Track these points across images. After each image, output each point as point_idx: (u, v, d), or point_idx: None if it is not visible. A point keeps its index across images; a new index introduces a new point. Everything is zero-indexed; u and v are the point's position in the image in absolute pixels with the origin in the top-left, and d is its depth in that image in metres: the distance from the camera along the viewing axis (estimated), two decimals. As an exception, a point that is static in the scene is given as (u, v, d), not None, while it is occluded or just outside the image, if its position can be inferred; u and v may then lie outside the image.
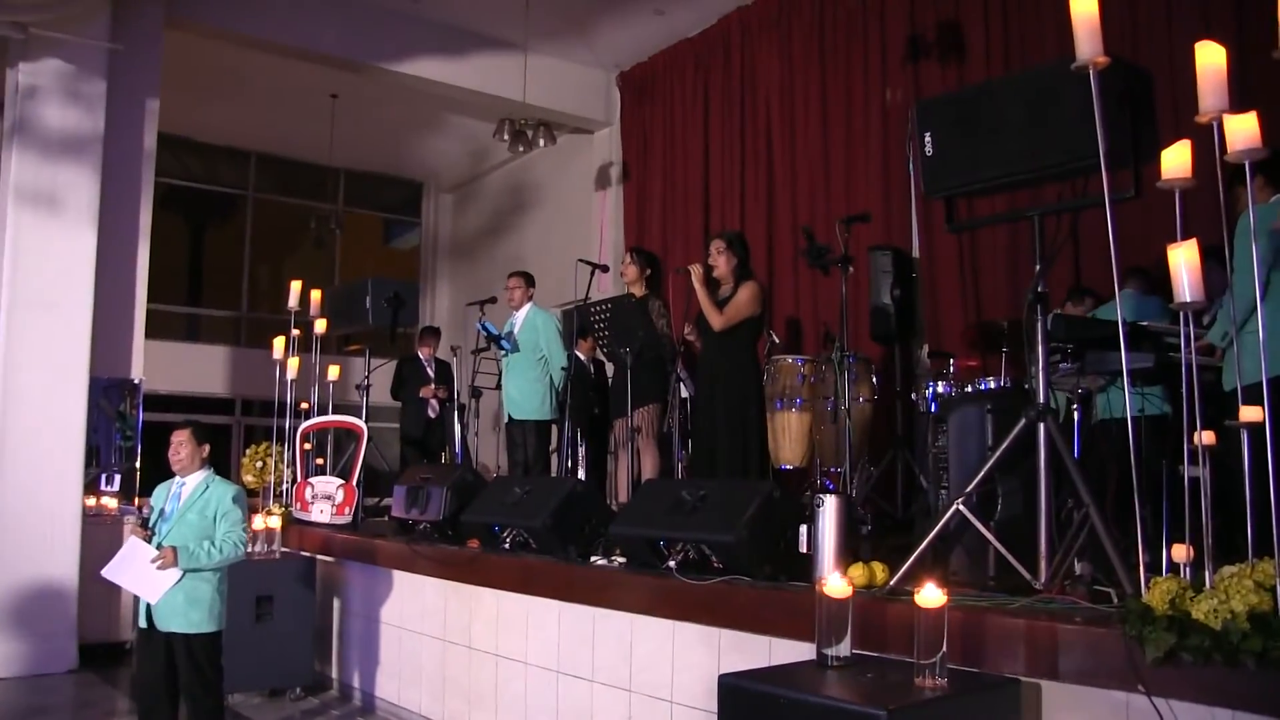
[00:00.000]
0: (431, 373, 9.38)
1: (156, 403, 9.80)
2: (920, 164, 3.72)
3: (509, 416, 7.41)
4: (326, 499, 6.94)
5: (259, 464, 8.07)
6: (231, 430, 12.72)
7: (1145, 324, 4.38)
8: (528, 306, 7.47)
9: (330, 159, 13.18)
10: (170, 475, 4.67)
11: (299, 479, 7.20)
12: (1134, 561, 2.90)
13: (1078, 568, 3.37)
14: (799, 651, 3.46)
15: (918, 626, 2.84)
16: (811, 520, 3.85)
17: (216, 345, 12.83)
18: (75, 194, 7.49)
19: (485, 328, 7.35)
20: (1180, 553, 2.82)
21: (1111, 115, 3.12)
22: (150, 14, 8.18)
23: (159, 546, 4.44)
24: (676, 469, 5.92)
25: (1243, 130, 2.74)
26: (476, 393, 8.14)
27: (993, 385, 5.74)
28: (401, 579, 5.84)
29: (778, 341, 7.48)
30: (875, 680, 2.89)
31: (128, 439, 8.00)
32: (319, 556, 6.45)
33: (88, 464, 7.54)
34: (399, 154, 13.46)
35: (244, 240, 13.46)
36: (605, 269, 6.88)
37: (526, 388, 7.30)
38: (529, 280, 7.55)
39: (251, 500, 5.70)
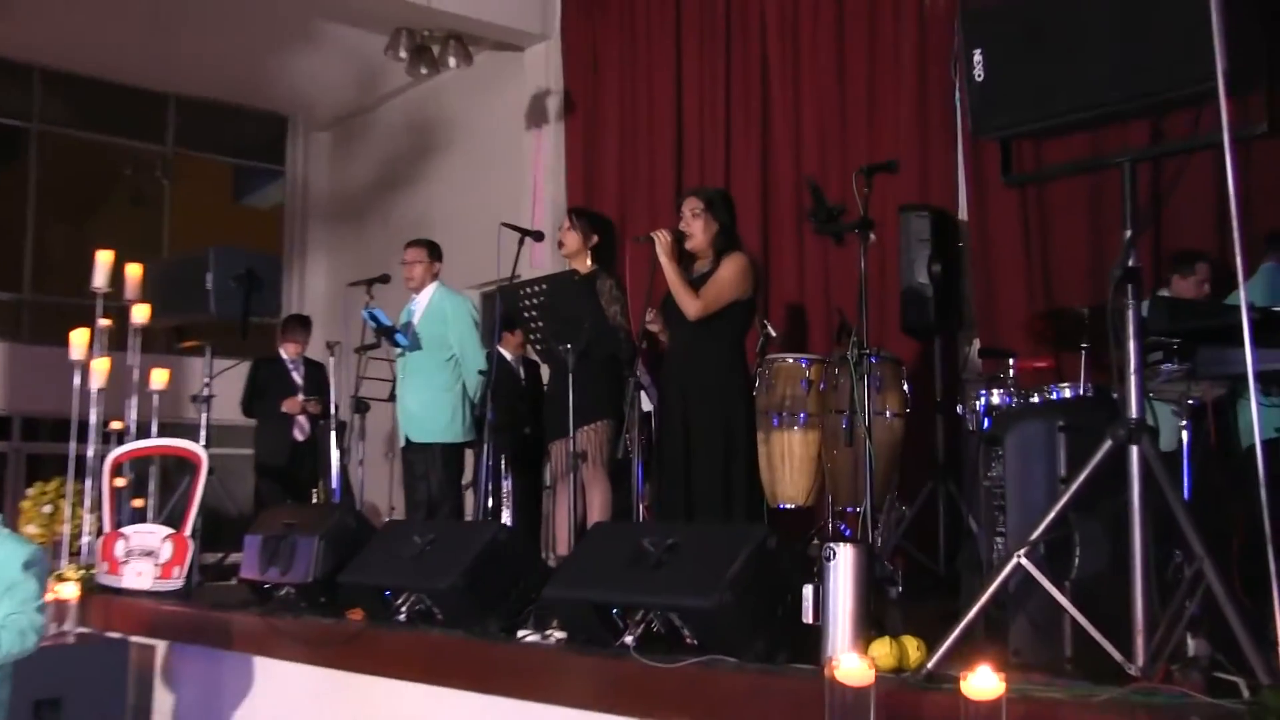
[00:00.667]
0: (299, 379, 9.31)
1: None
2: (968, 93, 3.71)
3: (406, 439, 7.38)
4: (147, 556, 6.83)
5: (47, 508, 7.94)
6: (8, 460, 12.49)
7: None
8: (432, 288, 7.44)
9: (157, 81, 13.02)
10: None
11: (106, 529, 7.07)
12: (1270, 638, 2.90)
13: (1190, 646, 3.37)
14: (803, 760, 3.44)
15: (966, 725, 2.82)
16: (820, 579, 3.84)
17: (-15, 340, 12.62)
18: None
19: (374, 317, 7.31)
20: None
21: (1235, 24, 3.12)
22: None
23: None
24: (636, 509, 5.89)
25: None
26: (362, 406, 8.09)
27: (1068, 394, 5.75)
28: (256, 667, 5.77)
29: (774, 335, 7.47)
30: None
31: None
32: (134, 639, 6.35)
33: None
34: (255, 77, 13.33)
35: (26, 192, 13.15)
36: (539, 236, 6.83)
37: (431, 399, 7.27)
38: (434, 252, 7.52)
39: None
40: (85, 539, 7.29)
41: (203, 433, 7.44)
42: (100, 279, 7.47)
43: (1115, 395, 3.62)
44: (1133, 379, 3.49)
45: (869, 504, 5.69)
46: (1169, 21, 3.26)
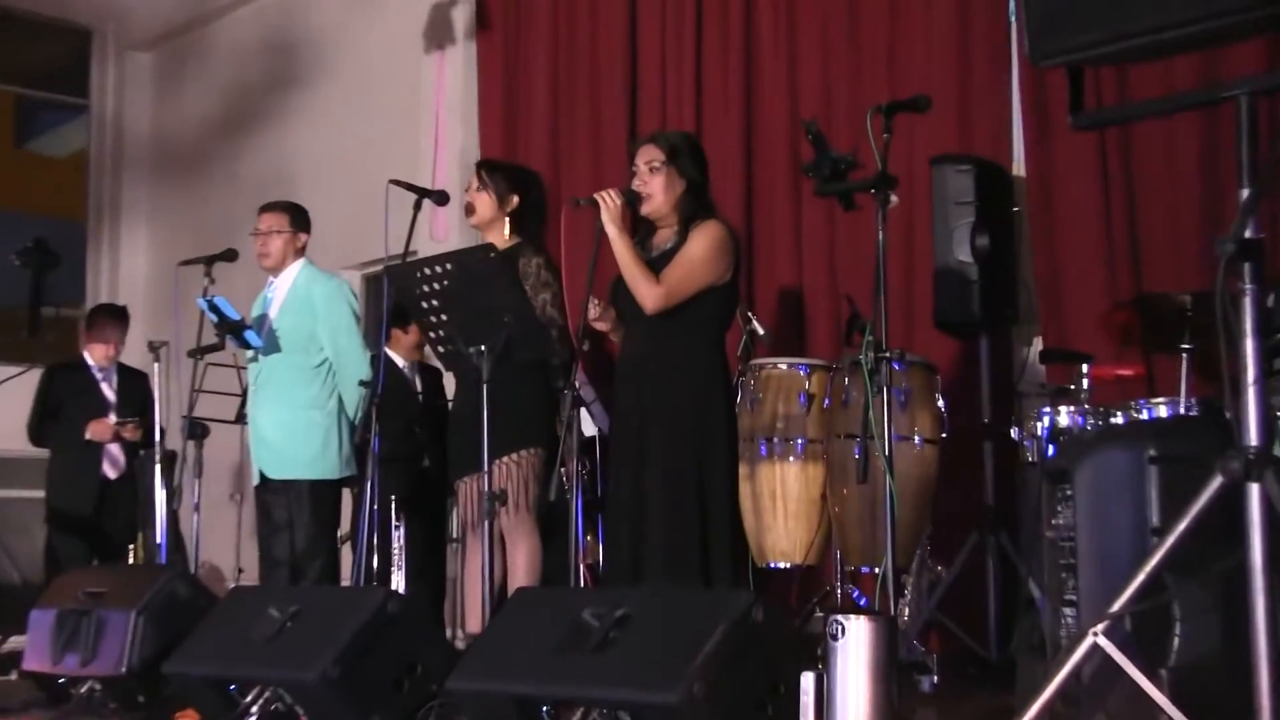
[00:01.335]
0: (111, 394, 9.23)
1: None
2: (1023, 5, 3.72)
3: (261, 475, 7.35)
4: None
5: None
6: None
7: None
8: (296, 268, 7.43)
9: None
10: None
11: None
12: None
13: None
14: None
15: None
16: (824, 665, 3.83)
17: None
18: None
19: (216, 308, 7.26)
20: None
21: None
22: None
23: None
24: (574, 569, 5.87)
25: None
26: (198, 430, 8.03)
27: (1163, 412, 5.77)
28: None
29: (762, 333, 7.48)
30: None
31: None
32: None
33: None
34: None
35: None
36: (443, 199, 6.81)
37: (293, 420, 7.27)
38: (297, 219, 7.51)
39: None
40: None
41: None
42: None
43: (1228, 414, 3.61)
44: (1251, 392, 3.48)
45: (891, 562, 5.70)
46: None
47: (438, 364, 7.72)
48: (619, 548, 5.80)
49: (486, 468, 5.84)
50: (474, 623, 6.32)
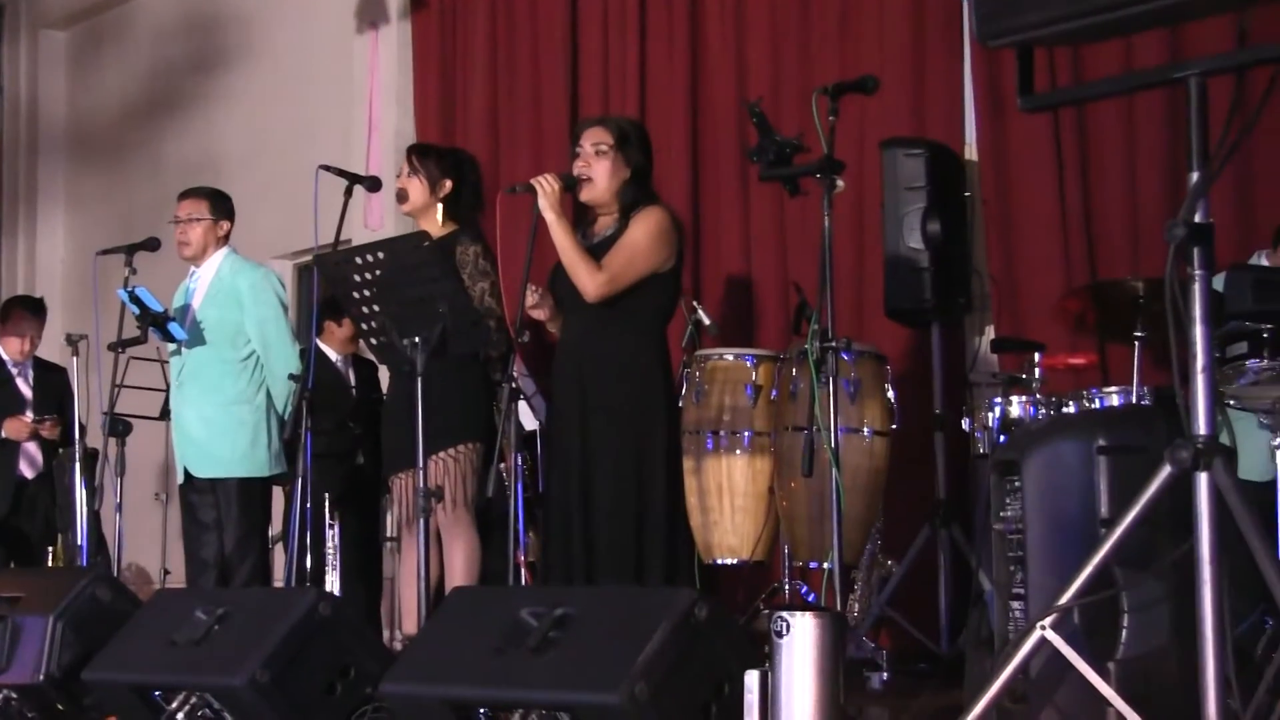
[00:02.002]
0: (26, 389, 9.18)
1: None
2: (973, -17, 3.77)
3: (186, 473, 7.34)
4: None
5: None
6: None
7: None
8: (219, 257, 7.41)
9: None
10: None
11: None
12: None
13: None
14: None
15: None
16: (770, 663, 3.86)
17: None
18: None
19: (137, 299, 7.23)
20: None
21: None
22: None
23: None
24: (513, 566, 5.90)
25: None
26: (120, 427, 8.01)
27: (1115, 401, 5.83)
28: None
29: (708, 324, 7.51)
30: None
31: None
32: None
33: None
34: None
35: None
36: (375, 185, 6.80)
37: (220, 416, 7.26)
38: (219, 206, 7.47)
39: None
40: None
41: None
42: None
43: (1179, 403, 3.65)
44: (1200, 380, 3.50)
45: (838, 558, 5.74)
46: None
47: (371, 356, 7.72)
48: (558, 545, 5.80)
49: (421, 464, 5.84)
50: (410, 624, 6.31)
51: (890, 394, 6.83)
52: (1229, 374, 5.03)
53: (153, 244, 7.56)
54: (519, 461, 6.72)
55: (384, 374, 7.52)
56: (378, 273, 5.88)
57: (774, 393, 6.81)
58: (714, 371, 6.98)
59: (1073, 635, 3.55)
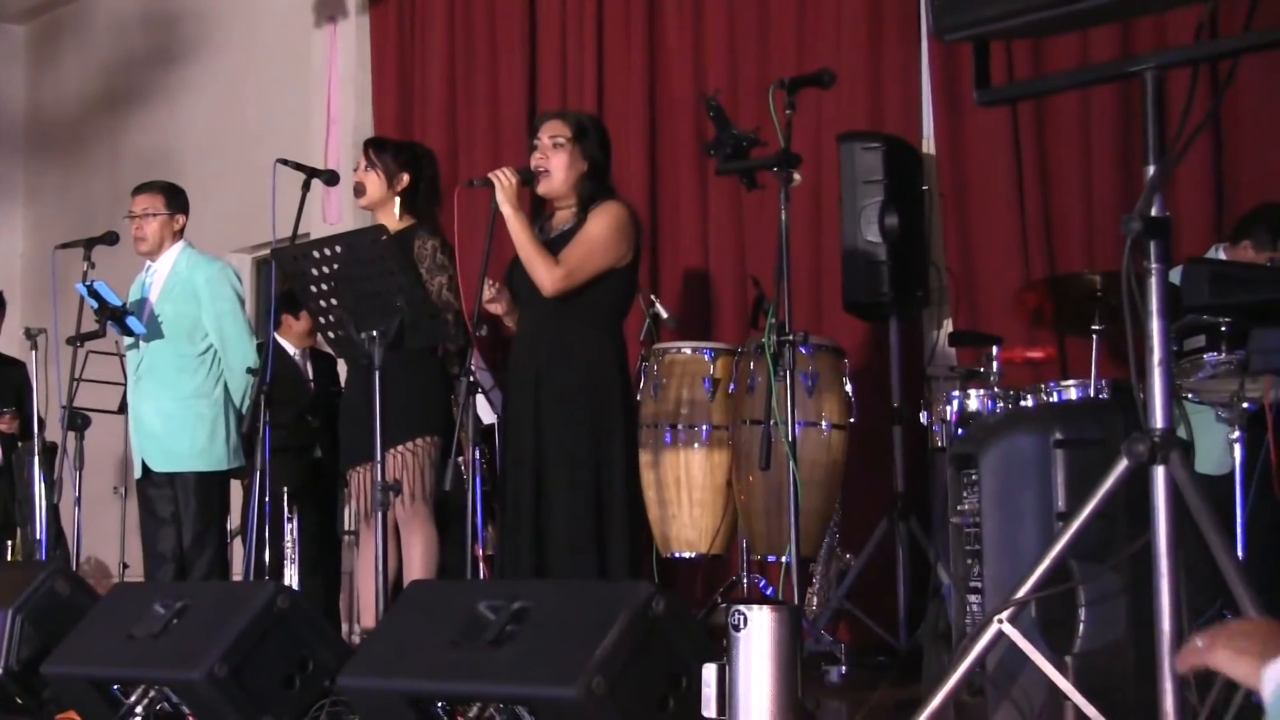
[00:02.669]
0: (-13, 383, 9.14)
1: None
2: (929, -26, 3.76)
3: (144, 467, 7.31)
4: None
5: None
6: None
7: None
8: (175, 251, 7.39)
9: None
10: None
11: None
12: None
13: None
14: None
15: None
16: (728, 657, 3.86)
17: None
18: None
19: (96, 293, 7.21)
20: None
21: None
22: None
23: None
24: (471, 561, 5.89)
25: None
26: (79, 421, 7.98)
27: (1073, 394, 5.84)
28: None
29: (666, 317, 7.51)
30: None
31: None
32: None
33: None
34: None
35: None
36: (333, 179, 6.79)
37: (178, 410, 7.24)
38: (174, 200, 7.45)
39: None
40: None
41: None
42: None
43: (1137, 396, 3.65)
44: (1156, 373, 3.51)
45: (795, 551, 5.74)
46: None
47: (329, 350, 7.70)
48: (516, 538, 5.80)
49: (379, 457, 5.83)
50: (368, 617, 6.31)
51: (848, 387, 6.83)
52: (1187, 368, 5.04)
53: (111, 238, 7.53)
54: (477, 455, 6.70)
55: (342, 367, 7.50)
56: (335, 266, 5.86)
57: (732, 386, 6.82)
58: (672, 365, 6.98)
59: (1030, 629, 3.56)
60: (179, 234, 7.38)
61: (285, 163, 6.52)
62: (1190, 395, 5.25)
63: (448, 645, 4.32)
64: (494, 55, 9.78)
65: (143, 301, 7.30)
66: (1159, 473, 3.46)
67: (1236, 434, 5.00)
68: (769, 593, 6.86)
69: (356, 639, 6.85)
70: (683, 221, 8.73)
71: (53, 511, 8.19)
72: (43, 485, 8.19)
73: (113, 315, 7.22)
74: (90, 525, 8.56)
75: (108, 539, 10.13)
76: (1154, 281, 3.52)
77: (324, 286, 5.92)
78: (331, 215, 9.85)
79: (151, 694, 5.06)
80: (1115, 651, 3.68)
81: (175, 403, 7.20)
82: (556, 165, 5.90)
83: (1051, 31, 4.39)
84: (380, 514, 5.79)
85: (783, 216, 5.71)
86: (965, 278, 7.61)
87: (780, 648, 3.85)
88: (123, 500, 10.23)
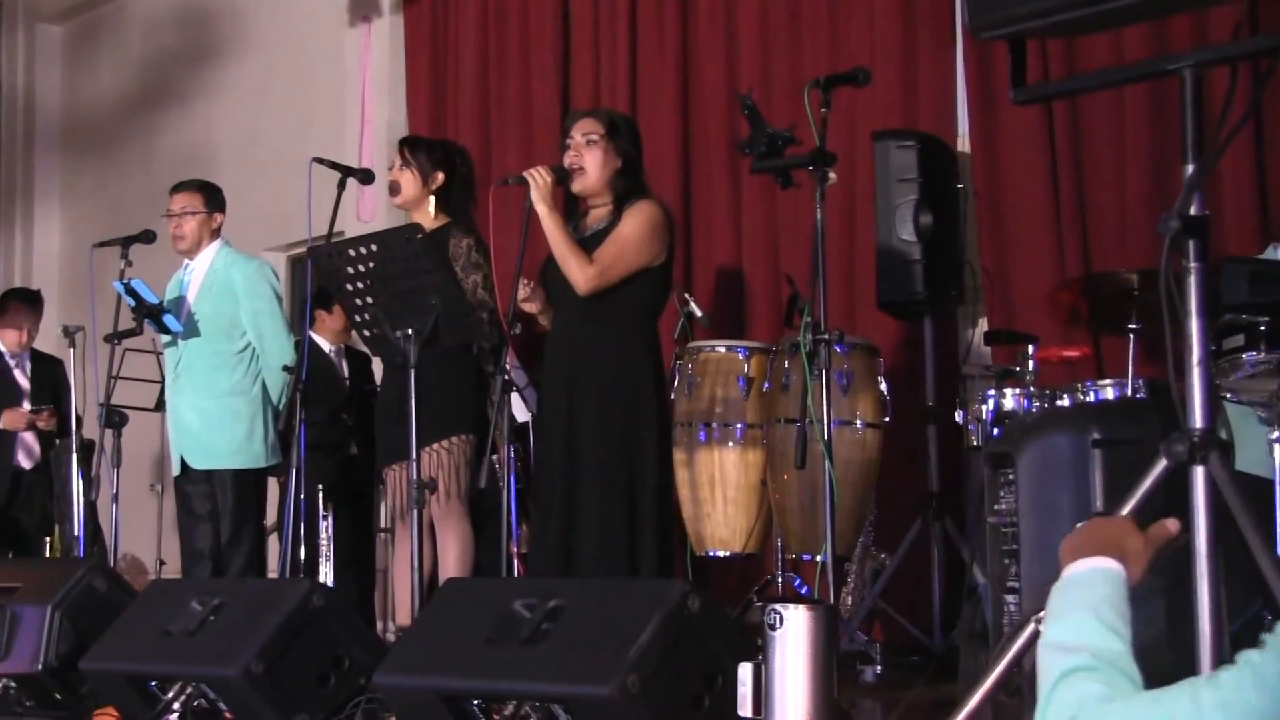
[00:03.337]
0: (24, 381, 9.18)
1: None
2: (964, -28, 3.73)
3: (182, 464, 7.32)
4: None
5: None
6: None
7: None
8: (213, 250, 7.40)
9: None
10: None
11: None
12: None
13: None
14: None
15: None
16: (763, 656, 3.86)
17: None
18: None
19: (133, 291, 7.22)
20: None
21: None
22: None
23: None
24: (506, 559, 5.88)
25: None
26: (116, 419, 7.98)
27: (1110, 394, 5.81)
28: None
29: (699, 315, 7.49)
30: None
31: None
32: None
33: None
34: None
35: None
36: (368, 177, 6.79)
37: (216, 408, 7.25)
38: (212, 199, 7.46)
39: None
40: None
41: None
42: None
43: (1175, 396, 3.63)
44: (1196, 372, 3.48)
45: (831, 550, 5.73)
46: None
47: (364, 348, 7.71)
48: (550, 537, 5.80)
49: (415, 455, 5.84)
50: (403, 615, 6.32)
51: (883, 386, 6.81)
52: (1225, 367, 5.01)
53: (148, 236, 7.56)
54: (511, 453, 6.69)
55: (377, 365, 7.50)
56: (371, 265, 5.87)
57: (766, 385, 6.80)
58: (706, 363, 6.96)
59: (1067, 630, 3.53)
60: (216, 232, 7.41)
61: (321, 161, 6.53)
62: (1229, 395, 5.22)
63: (483, 643, 4.33)
64: (526, 54, 9.77)
65: (180, 300, 7.31)
66: (1198, 473, 3.43)
67: (1276, 434, 4.95)
68: (803, 592, 6.84)
69: (391, 637, 6.86)
70: (715, 219, 8.71)
71: (90, 508, 8.20)
72: (80, 482, 8.22)
73: (150, 313, 7.24)
74: (127, 522, 8.57)
75: (144, 536, 10.14)
76: (1193, 281, 3.50)
77: (359, 285, 5.94)
78: (365, 213, 9.86)
79: (188, 690, 5.09)
80: (1153, 651, 3.66)
81: (213, 400, 7.22)
82: (590, 162, 5.91)
83: (1088, 30, 4.37)
84: (416, 512, 5.80)
85: (818, 215, 5.70)
86: (1000, 276, 7.58)
87: (817, 647, 3.84)
88: (159, 497, 10.25)
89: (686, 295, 7.51)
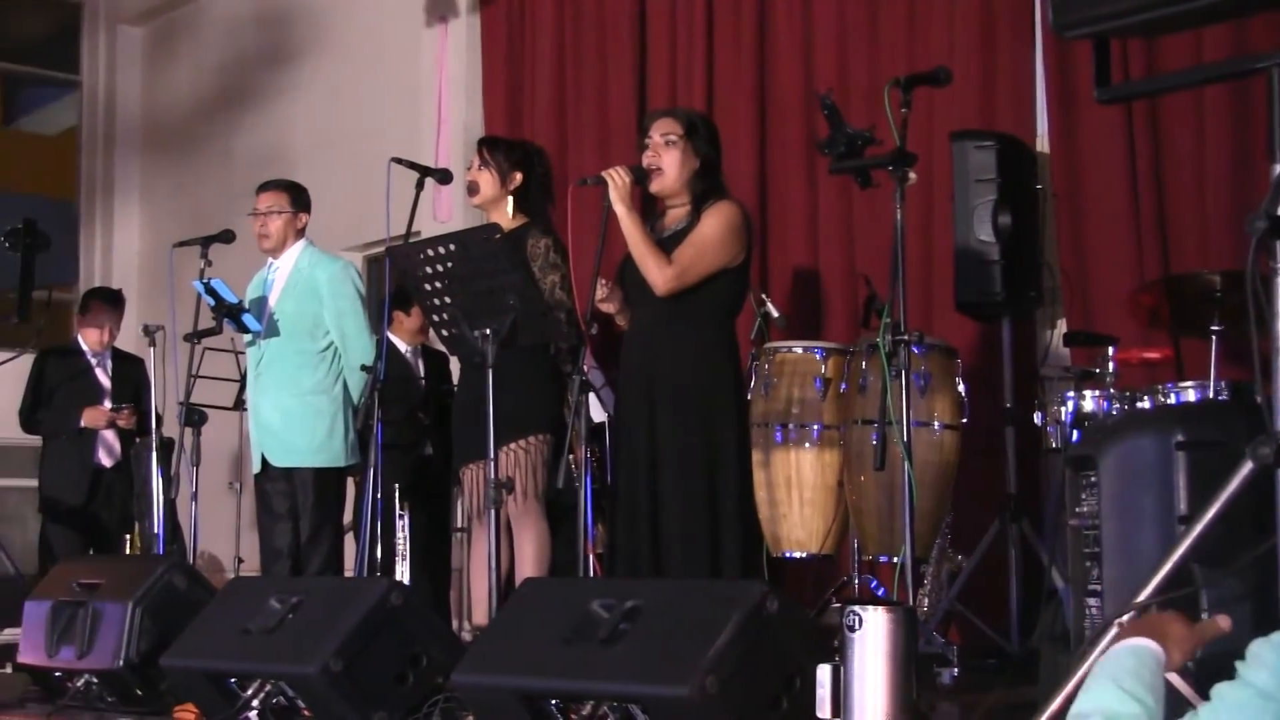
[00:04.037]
0: (106, 379, 9.25)
1: None
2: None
3: (263, 462, 7.36)
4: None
5: None
6: None
7: None
8: (297, 249, 7.43)
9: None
10: None
11: None
12: None
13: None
14: None
15: None
16: (841, 657, 3.85)
17: None
18: None
19: (213, 291, 7.27)
20: None
21: None
22: None
23: None
24: (583, 559, 5.89)
25: None
26: (196, 417, 8.03)
27: (1191, 396, 5.77)
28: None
29: (777, 316, 7.48)
30: None
31: None
32: None
33: None
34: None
35: None
36: (446, 177, 6.81)
37: (297, 407, 7.28)
38: (298, 199, 7.49)
39: None
40: None
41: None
42: None
43: (1259, 398, 3.60)
44: (1285, 376, 3.48)
45: (909, 552, 5.71)
46: None
47: (441, 348, 7.73)
48: (628, 537, 5.82)
49: (492, 455, 5.86)
50: (480, 614, 6.34)
51: (960, 388, 6.79)
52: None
53: (228, 236, 7.59)
54: (588, 453, 6.70)
55: (454, 365, 7.52)
56: (449, 265, 5.89)
57: (843, 386, 6.79)
58: (783, 364, 6.96)
59: (1153, 634, 3.50)
60: (301, 232, 7.43)
61: (400, 161, 6.55)
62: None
63: (561, 643, 4.33)
64: (603, 54, 9.79)
65: (263, 299, 7.35)
66: (1288, 476, 3.41)
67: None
68: (881, 593, 6.83)
69: (467, 636, 6.88)
70: (792, 220, 8.71)
71: (169, 506, 8.25)
72: (160, 480, 8.26)
73: (229, 312, 7.28)
74: (206, 520, 8.63)
75: (222, 534, 10.21)
76: (1279, 283, 3.48)
77: (437, 284, 5.96)
78: (442, 213, 9.90)
79: (267, 688, 5.11)
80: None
81: (295, 399, 7.24)
82: (669, 163, 5.90)
83: (1171, 29, 4.33)
84: (493, 511, 5.82)
85: (898, 216, 5.68)
86: (1079, 277, 7.55)
87: (896, 649, 3.83)
88: (237, 496, 10.33)
89: (763, 296, 7.51)
